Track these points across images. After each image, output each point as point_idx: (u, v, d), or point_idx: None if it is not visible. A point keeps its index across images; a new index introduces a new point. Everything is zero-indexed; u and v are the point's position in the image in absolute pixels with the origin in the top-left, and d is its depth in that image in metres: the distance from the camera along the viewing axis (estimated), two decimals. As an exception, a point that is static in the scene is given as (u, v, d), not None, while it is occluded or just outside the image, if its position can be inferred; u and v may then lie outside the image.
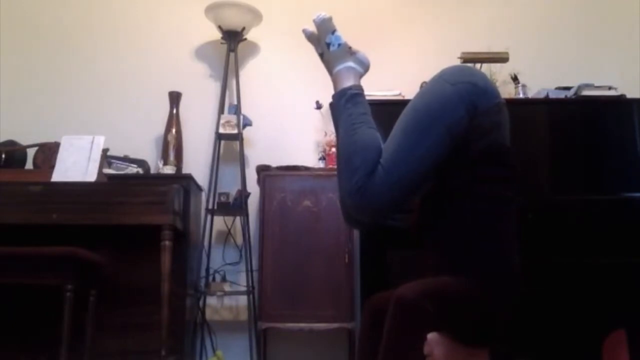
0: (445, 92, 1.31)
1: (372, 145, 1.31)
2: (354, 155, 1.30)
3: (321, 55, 1.52)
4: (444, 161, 1.29)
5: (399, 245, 2.40)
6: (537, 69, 3.19)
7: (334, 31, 1.49)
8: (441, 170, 1.32)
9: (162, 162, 2.98)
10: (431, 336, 1.18)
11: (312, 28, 1.52)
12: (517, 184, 1.35)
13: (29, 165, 2.86)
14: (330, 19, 1.49)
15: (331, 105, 1.46)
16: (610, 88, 2.89)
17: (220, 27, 3.07)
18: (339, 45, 1.49)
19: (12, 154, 2.84)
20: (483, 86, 1.34)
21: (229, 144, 3.19)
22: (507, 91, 3.06)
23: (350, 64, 1.48)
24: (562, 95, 2.93)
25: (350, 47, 1.50)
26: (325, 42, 1.49)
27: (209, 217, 2.94)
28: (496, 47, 3.02)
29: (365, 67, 1.51)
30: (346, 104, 1.40)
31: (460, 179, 1.30)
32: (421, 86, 2.39)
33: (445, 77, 1.35)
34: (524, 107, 2.88)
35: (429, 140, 1.27)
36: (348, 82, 1.45)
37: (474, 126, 1.29)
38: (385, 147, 1.30)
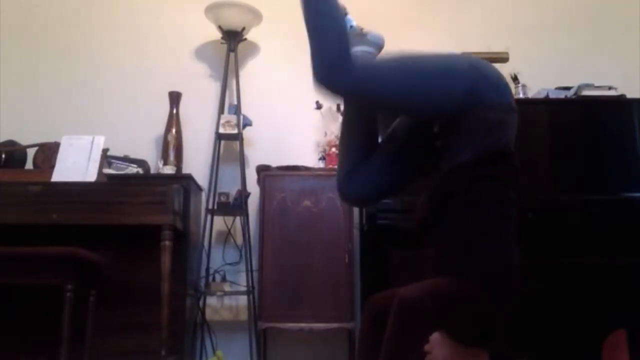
0: (459, 64, 1.35)
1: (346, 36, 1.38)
2: (331, 30, 1.36)
3: None
4: (446, 157, 1.30)
5: (399, 245, 2.41)
6: (537, 69, 3.18)
7: (345, 14, 1.50)
8: (443, 170, 1.32)
9: (162, 162, 2.97)
10: (433, 337, 1.18)
11: None
12: (519, 185, 1.35)
13: (29, 165, 2.86)
14: (342, 4, 1.49)
15: None
16: (610, 88, 2.88)
17: (220, 27, 3.07)
18: (351, 27, 1.49)
19: (12, 154, 2.84)
20: (496, 82, 1.36)
21: (229, 144, 3.19)
22: (507, 91, 3.06)
23: (364, 47, 1.51)
24: (562, 95, 2.93)
25: (362, 29, 1.51)
26: None
27: (209, 217, 2.94)
28: (496, 47, 3.02)
29: (379, 47, 1.54)
30: None
31: (462, 178, 1.30)
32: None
33: (471, 59, 1.39)
34: (524, 107, 2.82)
35: (413, 81, 1.33)
36: None
37: (477, 118, 1.30)
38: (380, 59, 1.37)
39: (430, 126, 1.43)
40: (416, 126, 1.49)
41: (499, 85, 1.36)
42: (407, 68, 1.37)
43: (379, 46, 1.54)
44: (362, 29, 1.51)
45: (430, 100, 1.32)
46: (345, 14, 1.50)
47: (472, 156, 1.30)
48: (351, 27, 1.50)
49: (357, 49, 1.50)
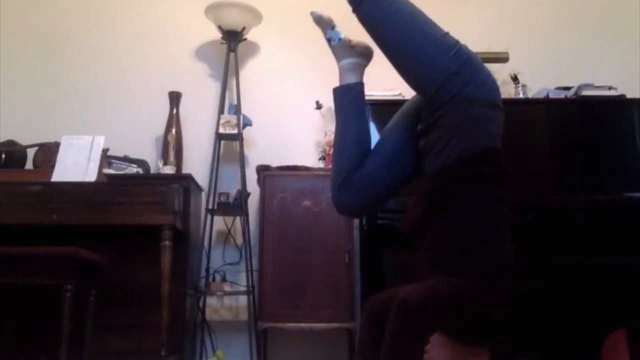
0: (458, 48, 1.35)
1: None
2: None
3: (329, 41, 1.56)
4: (430, 156, 1.31)
5: (399, 245, 2.41)
6: (537, 69, 3.19)
7: (333, 27, 1.54)
8: (431, 170, 1.33)
9: (162, 162, 2.97)
10: (433, 338, 1.18)
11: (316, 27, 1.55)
12: (509, 184, 1.36)
13: (29, 165, 2.86)
14: (328, 17, 1.55)
15: (334, 92, 1.57)
16: (610, 88, 2.88)
17: (220, 27, 3.07)
18: (339, 40, 1.53)
19: (12, 154, 2.84)
20: (483, 78, 1.37)
21: (229, 144, 3.19)
22: (507, 91, 3.05)
23: (353, 59, 1.54)
24: (562, 95, 2.93)
25: (350, 41, 1.55)
26: (326, 38, 1.55)
27: (209, 217, 2.94)
28: (496, 47, 3.02)
29: (368, 58, 1.57)
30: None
31: (456, 178, 1.30)
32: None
33: (470, 51, 1.39)
34: (524, 107, 2.87)
35: (415, 34, 1.39)
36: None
37: (458, 110, 1.32)
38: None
39: (416, 124, 1.44)
40: (406, 127, 1.50)
41: (485, 81, 1.37)
42: (416, 21, 1.43)
43: (368, 57, 1.58)
44: (350, 41, 1.55)
45: (419, 59, 1.35)
46: (333, 27, 1.53)
47: (460, 154, 1.30)
48: (339, 39, 1.53)
49: (347, 61, 1.53)
